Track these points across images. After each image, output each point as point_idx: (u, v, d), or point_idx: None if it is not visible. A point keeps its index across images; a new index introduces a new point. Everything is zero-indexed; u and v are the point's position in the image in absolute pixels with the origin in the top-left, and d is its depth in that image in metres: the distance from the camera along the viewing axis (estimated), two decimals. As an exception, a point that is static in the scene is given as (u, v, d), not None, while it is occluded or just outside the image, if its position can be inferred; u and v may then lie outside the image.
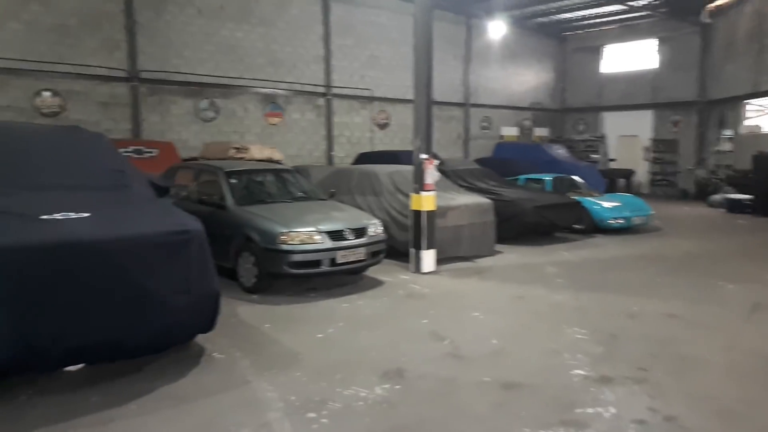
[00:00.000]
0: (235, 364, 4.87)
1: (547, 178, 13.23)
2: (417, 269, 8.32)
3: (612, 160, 22.95)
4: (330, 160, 17.74)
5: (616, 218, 11.86)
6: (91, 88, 13.89)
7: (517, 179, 13.34)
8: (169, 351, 4.81)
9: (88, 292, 4.02)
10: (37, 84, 13.16)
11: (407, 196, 8.58)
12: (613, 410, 4.08)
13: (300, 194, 8.52)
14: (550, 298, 7.11)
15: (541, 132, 24.41)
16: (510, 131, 23.27)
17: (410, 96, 8.58)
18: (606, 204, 12.18)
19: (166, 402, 4.09)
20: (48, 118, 13.22)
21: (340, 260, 7.04)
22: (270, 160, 12.42)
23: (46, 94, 13.30)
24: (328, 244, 6.97)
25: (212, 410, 4.01)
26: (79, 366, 4.40)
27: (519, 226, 10.50)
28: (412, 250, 8.37)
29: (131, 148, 12.10)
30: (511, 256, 9.75)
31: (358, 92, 18.19)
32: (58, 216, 4.27)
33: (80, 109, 13.72)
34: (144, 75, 14.49)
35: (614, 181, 19.68)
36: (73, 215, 4.35)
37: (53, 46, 13.21)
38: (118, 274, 4.16)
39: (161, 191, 5.83)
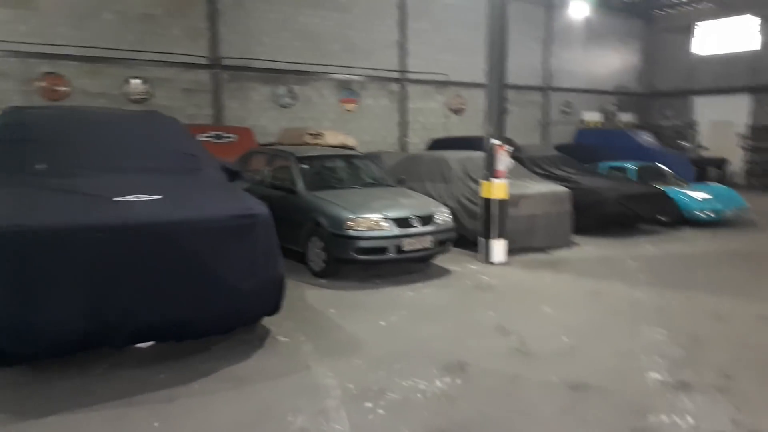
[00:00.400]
0: (298, 348, 4.90)
1: (631, 166, 12.53)
2: (486, 259, 8.10)
3: (703, 147, 21.45)
4: (403, 146, 17.65)
5: (705, 210, 11.07)
6: (175, 75, 14.44)
7: (598, 167, 12.73)
8: (235, 332, 4.90)
9: (157, 272, 4.14)
10: (127, 72, 13.83)
11: (478, 183, 8.36)
12: (691, 420, 3.77)
13: (369, 180, 8.48)
14: (629, 295, 6.72)
15: (625, 117, 23.22)
16: (592, 116, 22.28)
17: (485, 80, 8.32)
18: (695, 195, 11.39)
19: (228, 383, 4.17)
20: (136, 104, 13.89)
21: (406, 248, 6.95)
22: (343, 146, 12.49)
23: (135, 81, 13.96)
24: (395, 231, 6.90)
25: (272, 394, 4.05)
26: (149, 343, 4.56)
27: (599, 217, 10.01)
28: (482, 240, 8.16)
29: (211, 133, 12.50)
30: (589, 248, 9.32)
31: (434, 77, 17.94)
32: (130, 198, 4.42)
33: (166, 95, 14.31)
34: (225, 62, 14.90)
35: (705, 170, 18.36)
36: (144, 197, 4.49)
37: (141, 35, 13.82)
38: (186, 256, 4.26)
39: (233, 175, 5.94)
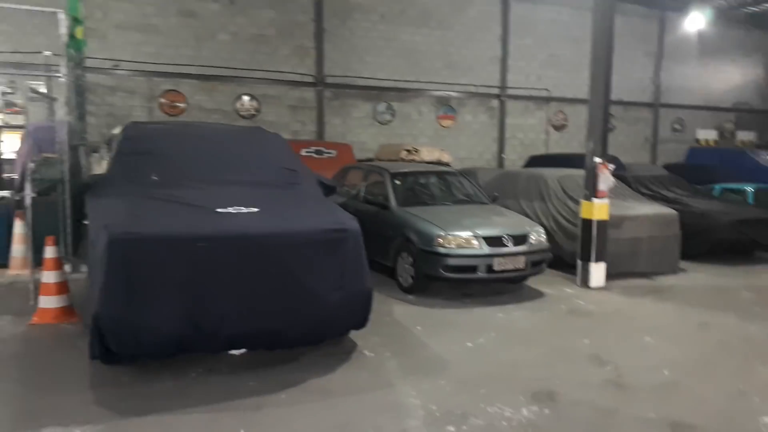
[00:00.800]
0: (383, 364, 4.91)
1: (749, 188, 11.55)
2: (584, 283, 7.74)
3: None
4: (500, 162, 17.36)
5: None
6: (283, 92, 15.11)
7: (712, 189, 11.84)
8: (323, 344, 5.00)
9: (252, 282, 4.33)
10: (238, 89, 14.65)
11: (577, 202, 8.04)
12: (811, 475, 3.38)
13: (462, 197, 8.41)
14: (742, 329, 6.17)
15: (745, 136, 21.46)
16: (707, 134, 20.77)
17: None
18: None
19: (313, 395, 4.25)
20: (246, 120, 14.66)
21: (497, 267, 6.80)
22: (439, 162, 12.46)
23: (245, 98, 14.75)
24: (486, 249, 6.78)
25: (355, 409, 4.08)
26: (241, 351, 4.75)
27: (711, 243, 9.30)
28: (580, 262, 7.81)
29: (313, 149, 12.91)
30: (698, 275, 8.67)
31: (535, 92, 17.54)
32: (231, 210, 4.66)
33: (273, 112, 15.00)
34: (329, 80, 15.41)
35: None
36: (244, 209, 4.71)
37: (253, 55, 14.61)
38: (279, 267, 4.42)
39: (328, 190, 6.12)
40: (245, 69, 14.44)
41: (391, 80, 15.83)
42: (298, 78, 15.10)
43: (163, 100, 13.91)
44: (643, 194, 9.95)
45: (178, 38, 13.86)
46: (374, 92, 15.81)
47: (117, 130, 10.62)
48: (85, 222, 9.03)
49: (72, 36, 7.17)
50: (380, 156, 13.74)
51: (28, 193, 6.03)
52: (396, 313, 6.35)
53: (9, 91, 12.20)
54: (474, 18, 16.75)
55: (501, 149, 17.55)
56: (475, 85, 16.86)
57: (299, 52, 15.16)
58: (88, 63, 12.35)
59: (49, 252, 5.69)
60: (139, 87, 13.71)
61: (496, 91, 17.26)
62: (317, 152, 12.95)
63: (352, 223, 4.88)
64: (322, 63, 15.33)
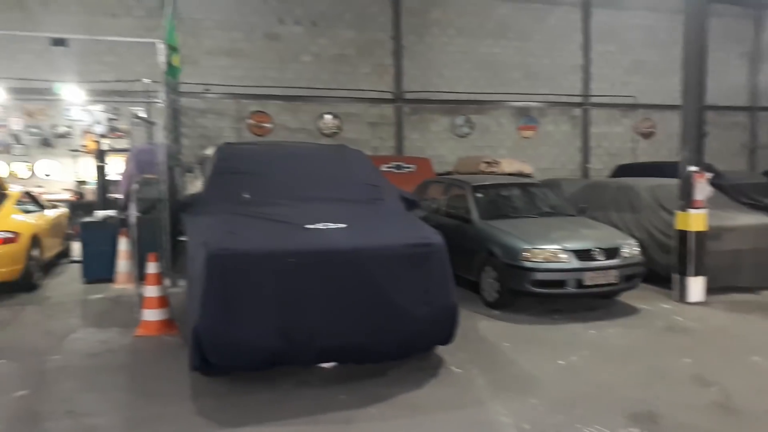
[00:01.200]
0: (472, 380, 4.85)
1: None
2: (681, 298, 7.33)
3: None
4: (585, 172, 16.83)
5: None
6: (363, 109, 15.42)
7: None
8: (410, 359, 5.01)
9: (341, 297, 4.41)
10: (321, 108, 15.10)
11: (672, 213, 7.65)
12: None
13: (547, 209, 8.20)
14: None
15: None
16: (817, 138, 19.23)
17: (680, 102, 7.66)
18: None
19: (402, 410, 4.25)
20: (328, 138, 15.06)
21: (587, 282, 6.57)
22: (520, 174, 12.26)
23: (328, 116, 15.17)
24: (575, 263, 6.57)
25: (445, 426, 4.04)
26: (332, 364, 4.83)
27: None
28: (676, 276, 7.41)
29: (392, 164, 13.07)
30: (812, 291, 8.00)
31: (619, 100, 16.93)
32: (319, 226, 4.79)
33: (353, 129, 15.34)
34: (407, 95, 15.58)
35: None
36: (332, 225, 4.83)
37: (334, 74, 15.03)
38: (367, 282, 4.48)
39: (411, 205, 6.15)
40: (327, 88, 14.88)
41: (469, 93, 15.80)
42: (377, 95, 15.37)
43: (250, 121, 14.54)
44: (742, 204, 9.32)
45: (263, 61, 14.48)
46: (452, 106, 15.82)
47: (209, 151, 11.20)
48: (182, 239, 9.56)
49: (169, 63, 7.64)
50: (459, 169, 13.68)
51: (133, 213, 6.44)
52: (481, 329, 6.26)
53: (114, 117, 13.15)
54: (554, 27, 16.45)
55: (585, 159, 17.06)
56: (556, 95, 16.52)
57: (378, 70, 15.44)
58: (182, 88, 13.21)
59: (152, 268, 6.04)
60: (228, 109, 14.41)
61: (578, 99, 16.83)
62: (397, 167, 13.08)
63: (436, 238, 4.88)
64: (401, 79, 15.54)
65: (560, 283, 6.60)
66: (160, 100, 7.74)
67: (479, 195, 7.98)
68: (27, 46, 11.83)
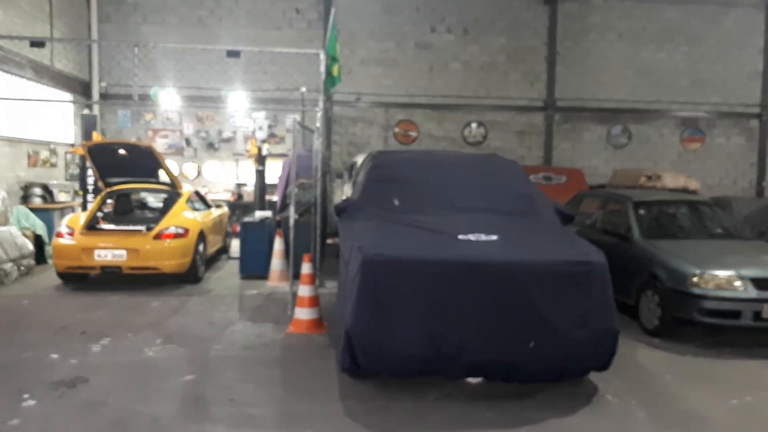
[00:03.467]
0: (630, 413, 4.46)
1: None
2: None
3: None
4: (759, 191, 15.04)
5: None
6: (510, 118, 15.06)
7: None
8: (561, 383, 4.73)
9: (492, 311, 4.27)
10: (466, 117, 14.98)
11: None
12: None
13: (719, 231, 7.41)
14: None
15: None
16: None
17: None
18: None
19: (553, 436, 4.02)
20: (472, 147, 14.90)
21: (766, 315, 5.79)
22: (684, 190, 11.24)
23: (473, 125, 15.02)
24: (752, 293, 5.83)
25: (601, 459, 3.75)
26: (478, 379, 4.69)
27: None
28: None
29: (541, 175, 12.61)
30: None
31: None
32: (471, 237, 4.68)
33: (499, 138, 15.03)
34: (560, 103, 14.96)
35: None
36: (483, 237, 4.71)
37: (482, 82, 14.85)
38: (520, 298, 4.30)
39: (566, 219, 5.85)
40: (474, 96, 14.73)
41: (628, 101, 14.82)
42: (527, 103, 14.95)
43: (397, 129, 14.81)
44: None
45: (413, 70, 14.68)
46: (609, 114, 14.93)
47: (358, 158, 11.58)
48: (329, 241, 9.93)
49: (329, 73, 7.98)
50: (614, 182, 12.86)
51: (292, 215, 6.78)
52: (640, 357, 5.76)
53: (272, 123, 14.08)
54: (729, 30, 14.92)
55: (761, 176, 15.23)
56: (728, 104, 14.95)
57: (529, 77, 15.01)
58: (335, 97, 13.81)
59: (306, 268, 6.30)
60: (377, 117, 14.79)
61: (756, 110, 15.08)
62: (545, 178, 12.61)
63: (598, 256, 4.56)
64: (553, 86, 14.98)
65: (734, 314, 5.90)
66: (319, 109, 8.09)
67: (642, 211, 7.39)
68: (203, 57, 13.03)
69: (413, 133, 14.82)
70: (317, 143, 7.84)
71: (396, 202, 5.54)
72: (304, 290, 6.25)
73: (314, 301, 6.28)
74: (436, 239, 4.66)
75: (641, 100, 14.82)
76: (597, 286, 4.42)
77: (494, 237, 4.71)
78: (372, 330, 4.21)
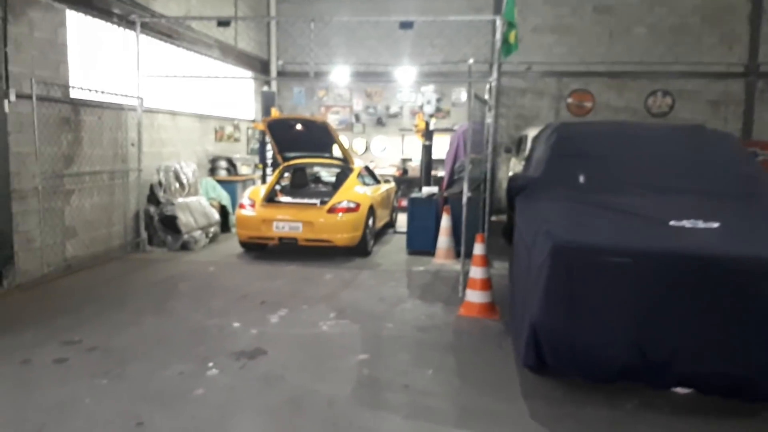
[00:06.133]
0: None
1: None
2: None
3: None
4: None
5: None
6: (702, 86, 13.34)
7: None
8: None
9: (716, 315, 3.55)
10: (650, 85, 13.51)
11: None
12: None
13: None
14: None
15: None
16: None
17: None
18: None
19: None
20: (657, 118, 13.44)
21: None
22: None
23: (658, 94, 13.50)
24: None
25: None
26: (688, 390, 4.00)
27: None
28: None
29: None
30: None
31: None
32: (686, 223, 3.98)
33: (688, 108, 13.41)
34: (763, 68, 12.92)
35: None
36: (701, 224, 3.97)
37: (670, 47, 13.26)
38: (753, 301, 3.53)
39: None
40: (660, 63, 13.20)
41: None
42: (723, 69, 13.11)
43: (570, 100, 13.77)
44: None
45: (590, 36, 13.52)
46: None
47: (530, 131, 10.87)
48: (492, 218, 9.41)
49: (505, 40, 7.43)
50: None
51: (466, 191, 6.43)
52: None
53: (439, 97, 13.80)
54: None
55: None
56: None
57: (727, 39, 13.13)
58: (503, 67, 13.11)
59: (478, 249, 5.94)
60: (548, 88, 13.87)
61: None
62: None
63: None
64: (757, 49, 12.95)
65: None
66: (492, 79, 7.59)
67: None
68: (373, 32, 13.05)
69: (588, 104, 13.68)
70: (489, 116, 7.37)
71: (586, 181, 4.93)
72: (476, 272, 5.90)
73: (487, 284, 5.91)
74: (641, 225, 4.01)
75: None
76: None
77: (715, 224, 3.96)
78: (563, 326, 3.71)
